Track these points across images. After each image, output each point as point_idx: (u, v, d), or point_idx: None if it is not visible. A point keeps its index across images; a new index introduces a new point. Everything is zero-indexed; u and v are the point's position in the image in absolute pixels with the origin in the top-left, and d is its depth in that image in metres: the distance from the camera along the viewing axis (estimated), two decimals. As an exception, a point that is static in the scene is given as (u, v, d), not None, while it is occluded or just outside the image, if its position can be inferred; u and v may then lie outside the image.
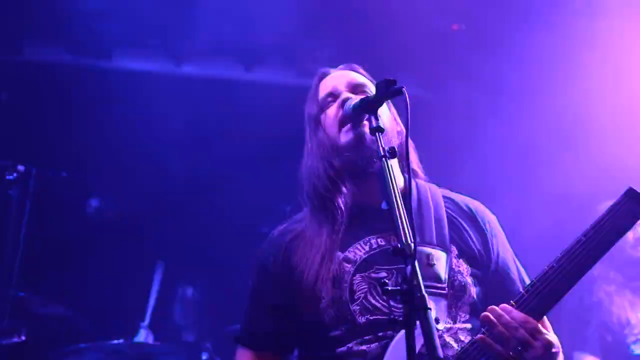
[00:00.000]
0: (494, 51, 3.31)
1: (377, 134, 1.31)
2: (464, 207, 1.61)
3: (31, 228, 3.13)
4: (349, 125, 1.48)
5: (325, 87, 1.64)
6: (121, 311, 3.46)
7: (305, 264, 1.52)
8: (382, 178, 1.27)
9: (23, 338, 2.88)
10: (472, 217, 1.60)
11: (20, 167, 3.04)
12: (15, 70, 3.51)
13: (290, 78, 3.65)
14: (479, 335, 1.36)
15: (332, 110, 1.56)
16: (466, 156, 3.39)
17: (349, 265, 1.49)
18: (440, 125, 3.28)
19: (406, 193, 1.36)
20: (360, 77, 1.66)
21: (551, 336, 1.33)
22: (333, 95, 1.59)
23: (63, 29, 3.38)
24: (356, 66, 1.72)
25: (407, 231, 1.17)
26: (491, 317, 1.33)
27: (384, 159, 1.28)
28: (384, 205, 1.51)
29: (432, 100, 3.75)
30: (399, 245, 1.14)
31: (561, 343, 1.39)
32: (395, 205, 1.21)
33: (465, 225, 1.58)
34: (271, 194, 3.04)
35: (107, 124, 3.43)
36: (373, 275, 1.47)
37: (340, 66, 1.73)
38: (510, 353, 1.31)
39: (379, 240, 1.51)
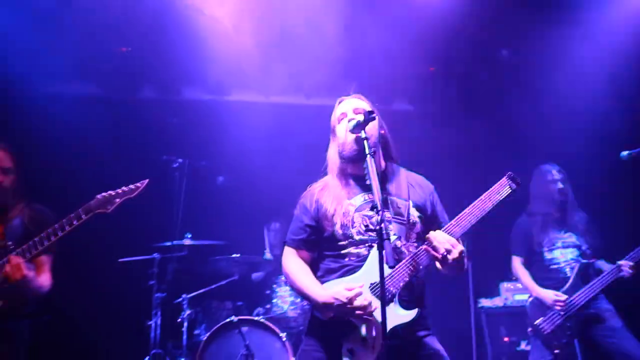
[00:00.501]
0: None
1: (364, 141, 2.04)
2: (417, 180, 2.35)
3: (187, 195, 4.48)
4: (352, 136, 2.16)
5: (340, 108, 2.33)
6: (246, 242, 4.83)
7: (328, 204, 2.22)
8: (367, 167, 1.97)
9: (185, 252, 4.36)
10: (421, 186, 2.34)
11: (179, 160, 4.45)
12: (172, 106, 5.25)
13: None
14: (423, 246, 2.06)
15: (342, 125, 2.27)
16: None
17: (352, 207, 2.19)
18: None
19: (385, 171, 2.23)
20: (361, 102, 2.31)
21: (462, 246, 2.02)
22: (344, 115, 2.29)
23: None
24: (360, 95, 2.38)
25: (377, 197, 1.87)
26: (431, 236, 2.03)
27: (368, 155, 1.99)
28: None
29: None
30: (374, 203, 1.89)
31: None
32: (373, 183, 1.92)
33: (418, 190, 2.30)
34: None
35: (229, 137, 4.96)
36: (364, 214, 2.17)
37: (352, 94, 2.38)
38: (440, 255, 1.99)
39: (367, 195, 2.21)
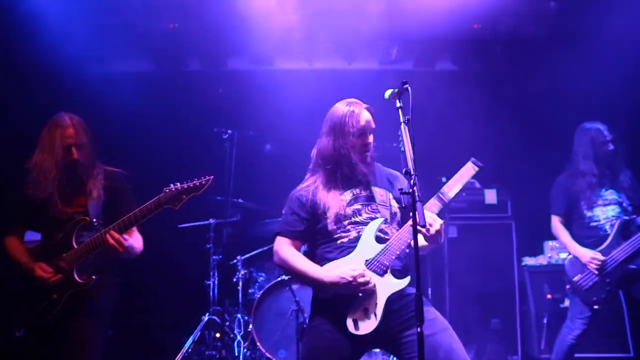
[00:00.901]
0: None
1: (399, 109, 2.19)
2: (394, 175, 2.56)
3: (237, 161, 4.76)
4: (363, 141, 2.43)
5: (356, 118, 2.44)
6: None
7: (322, 199, 2.42)
8: (401, 134, 2.13)
9: (238, 218, 4.86)
10: (398, 180, 2.53)
11: (230, 131, 4.72)
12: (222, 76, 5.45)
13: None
14: (408, 223, 2.26)
15: (357, 134, 2.43)
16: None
17: (344, 202, 2.41)
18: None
19: (370, 167, 2.45)
20: (371, 119, 2.49)
21: (441, 220, 2.24)
22: (361, 129, 2.43)
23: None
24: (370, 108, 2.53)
25: (410, 162, 2.06)
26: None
27: (403, 123, 2.14)
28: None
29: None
30: (406, 169, 2.05)
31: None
32: (407, 149, 2.08)
33: (395, 184, 2.51)
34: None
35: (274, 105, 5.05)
36: (354, 208, 2.41)
37: (367, 106, 2.52)
38: (425, 229, 2.15)
39: (355, 191, 2.45)
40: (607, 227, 3.65)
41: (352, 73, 5.46)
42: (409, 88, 2.18)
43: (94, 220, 2.73)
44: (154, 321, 4.96)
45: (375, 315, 2.22)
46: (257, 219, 4.81)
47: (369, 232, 2.34)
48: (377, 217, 2.37)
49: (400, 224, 2.44)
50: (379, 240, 2.33)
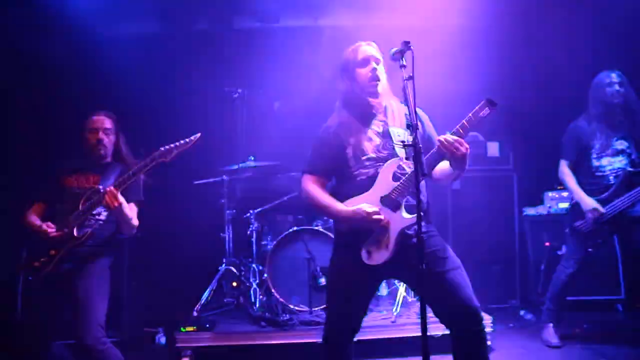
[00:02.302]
0: None
1: (402, 68, 2.25)
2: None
3: (248, 118, 4.88)
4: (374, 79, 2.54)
5: (362, 53, 2.57)
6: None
7: (341, 136, 2.55)
8: (406, 89, 2.22)
9: (250, 174, 5.05)
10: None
11: (239, 90, 4.79)
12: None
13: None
14: (434, 148, 2.37)
15: (366, 69, 2.54)
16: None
17: (364, 137, 2.52)
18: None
19: (388, 105, 2.54)
20: (378, 53, 2.59)
21: (466, 144, 2.27)
22: (367, 61, 2.55)
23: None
24: (374, 44, 2.62)
25: (413, 116, 2.19)
26: (441, 137, 2.31)
27: (405, 80, 2.23)
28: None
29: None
30: (408, 123, 2.20)
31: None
32: (410, 105, 2.20)
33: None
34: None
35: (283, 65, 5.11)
36: (373, 143, 2.52)
37: (371, 42, 2.63)
38: (451, 150, 2.27)
39: (375, 125, 2.56)
40: (612, 177, 3.78)
41: (359, 29, 5.48)
42: (412, 46, 2.26)
43: (100, 187, 3.03)
44: (173, 273, 5.22)
45: (387, 247, 2.41)
46: (268, 174, 5.00)
47: (386, 170, 2.46)
48: (395, 154, 2.48)
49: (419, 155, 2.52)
50: (395, 177, 2.44)
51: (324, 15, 5.54)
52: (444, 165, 2.53)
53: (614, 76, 3.78)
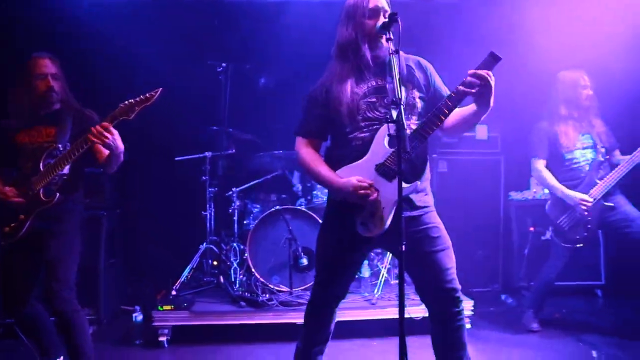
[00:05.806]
0: None
1: (388, 41, 2.17)
2: (416, 62, 2.46)
3: (232, 94, 4.77)
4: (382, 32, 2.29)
5: (372, 2, 2.35)
6: (288, 139, 4.93)
7: (335, 91, 2.36)
8: (391, 63, 2.10)
9: (233, 150, 4.77)
10: (420, 66, 2.45)
11: (224, 64, 4.70)
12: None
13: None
14: (459, 87, 2.20)
15: (372, 21, 2.33)
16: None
17: (357, 95, 2.34)
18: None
19: (389, 59, 2.16)
20: (388, 5, 2.40)
21: (493, 77, 2.15)
22: (378, 12, 2.35)
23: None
24: None
25: (397, 92, 2.04)
26: (464, 80, 2.18)
27: (391, 55, 2.13)
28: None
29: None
30: (393, 99, 2.06)
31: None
32: (395, 82, 2.06)
33: (418, 71, 2.43)
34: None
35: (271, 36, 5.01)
36: (369, 100, 2.35)
37: None
38: (477, 87, 2.17)
39: (373, 81, 2.37)
40: (586, 168, 3.80)
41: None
42: (399, 20, 2.16)
43: (59, 146, 2.87)
44: (153, 250, 5.15)
45: (382, 219, 2.29)
46: (252, 152, 4.89)
47: (381, 135, 2.32)
48: (392, 112, 2.18)
49: (422, 115, 2.39)
50: (392, 143, 2.26)
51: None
52: (462, 112, 2.40)
53: (586, 79, 3.82)
